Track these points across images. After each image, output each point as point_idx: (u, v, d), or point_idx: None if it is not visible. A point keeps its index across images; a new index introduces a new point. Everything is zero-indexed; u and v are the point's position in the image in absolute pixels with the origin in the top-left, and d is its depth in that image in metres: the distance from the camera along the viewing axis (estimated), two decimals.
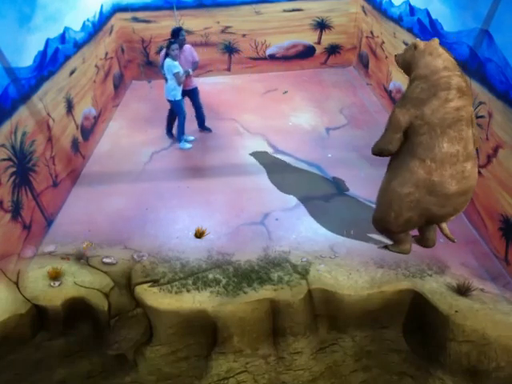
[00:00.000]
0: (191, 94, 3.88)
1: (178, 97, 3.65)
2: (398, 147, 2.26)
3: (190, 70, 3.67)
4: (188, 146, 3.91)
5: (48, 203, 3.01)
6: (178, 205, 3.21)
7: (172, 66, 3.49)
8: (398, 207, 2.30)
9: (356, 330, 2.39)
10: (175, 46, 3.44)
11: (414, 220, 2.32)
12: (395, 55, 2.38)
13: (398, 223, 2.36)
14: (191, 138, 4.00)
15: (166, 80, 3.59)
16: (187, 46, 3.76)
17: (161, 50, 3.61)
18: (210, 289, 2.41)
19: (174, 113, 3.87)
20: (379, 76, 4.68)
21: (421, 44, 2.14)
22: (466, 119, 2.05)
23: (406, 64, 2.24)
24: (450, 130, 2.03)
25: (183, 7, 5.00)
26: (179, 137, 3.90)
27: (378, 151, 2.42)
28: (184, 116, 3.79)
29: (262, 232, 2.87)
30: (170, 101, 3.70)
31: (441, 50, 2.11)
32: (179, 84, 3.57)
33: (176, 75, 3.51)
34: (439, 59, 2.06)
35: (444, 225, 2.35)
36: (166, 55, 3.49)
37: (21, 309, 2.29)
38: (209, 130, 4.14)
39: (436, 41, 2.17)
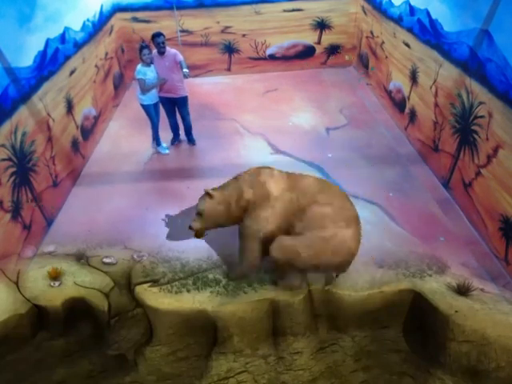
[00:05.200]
0: (177, 103, 3.68)
1: (145, 102, 3.54)
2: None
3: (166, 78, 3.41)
4: (166, 151, 3.86)
5: (48, 203, 3.01)
6: (178, 205, 3.21)
7: (136, 71, 3.43)
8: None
9: (356, 330, 2.38)
10: (146, 50, 3.35)
11: None
12: (193, 228, 2.40)
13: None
14: (166, 150, 3.87)
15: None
16: (172, 52, 3.50)
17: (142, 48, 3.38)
18: (210, 289, 2.41)
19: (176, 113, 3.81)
20: (379, 76, 4.68)
21: (213, 192, 2.36)
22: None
23: (226, 210, 2.33)
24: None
25: (183, 7, 5.00)
26: (156, 142, 3.84)
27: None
28: (153, 123, 3.70)
29: None
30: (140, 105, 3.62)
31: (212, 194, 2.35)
32: (142, 91, 3.46)
33: (138, 81, 3.41)
34: (236, 188, 2.31)
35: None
36: (141, 60, 3.40)
37: (21, 309, 2.29)
38: (193, 142, 3.96)
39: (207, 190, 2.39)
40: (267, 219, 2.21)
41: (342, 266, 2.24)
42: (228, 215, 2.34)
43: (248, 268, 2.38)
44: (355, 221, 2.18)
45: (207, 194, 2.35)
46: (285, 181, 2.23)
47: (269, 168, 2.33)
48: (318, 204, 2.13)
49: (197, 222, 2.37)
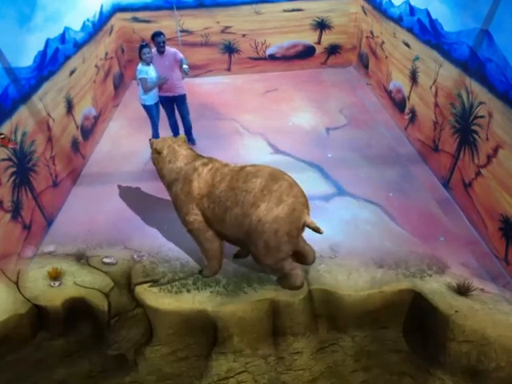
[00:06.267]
0: (176, 101, 3.68)
1: (147, 102, 3.53)
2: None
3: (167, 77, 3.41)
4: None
5: (48, 203, 3.01)
6: None
7: (138, 70, 3.42)
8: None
9: (356, 330, 2.38)
10: (146, 50, 3.34)
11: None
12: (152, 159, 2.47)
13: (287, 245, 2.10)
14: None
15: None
16: (171, 51, 3.50)
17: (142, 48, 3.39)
18: (210, 289, 2.41)
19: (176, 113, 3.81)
20: (379, 76, 4.68)
21: (163, 150, 2.33)
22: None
23: (157, 166, 2.42)
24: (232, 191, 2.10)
25: (183, 7, 5.00)
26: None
27: (215, 266, 2.41)
28: (154, 123, 3.69)
29: None
30: (142, 105, 3.62)
31: (179, 149, 2.34)
32: (144, 90, 3.45)
33: (140, 81, 3.40)
34: (178, 162, 2.30)
35: (309, 220, 2.09)
36: (141, 59, 3.40)
37: (21, 309, 2.29)
38: (193, 141, 3.96)
39: (181, 139, 2.42)
40: (195, 214, 2.21)
41: (296, 232, 2.11)
42: (161, 177, 2.43)
43: (209, 256, 2.37)
44: (287, 190, 2.02)
45: (157, 151, 2.37)
46: (207, 187, 2.17)
47: (205, 165, 2.23)
48: (231, 209, 2.07)
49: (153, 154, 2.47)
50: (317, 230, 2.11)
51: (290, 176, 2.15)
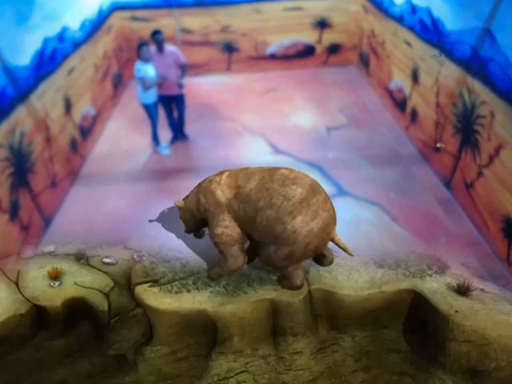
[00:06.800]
0: (175, 101, 3.72)
1: (147, 101, 3.52)
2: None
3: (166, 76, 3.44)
4: (166, 151, 3.85)
5: (46, 203, 3.01)
6: None
7: (136, 69, 3.40)
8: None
9: (356, 330, 2.38)
10: (144, 48, 3.34)
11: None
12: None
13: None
14: (166, 150, 3.87)
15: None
16: (170, 49, 3.53)
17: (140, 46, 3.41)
18: (210, 289, 2.40)
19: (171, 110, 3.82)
20: (380, 75, 4.66)
21: (180, 203, 2.50)
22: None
23: (188, 218, 2.48)
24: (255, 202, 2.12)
25: (182, 6, 4.97)
26: (155, 142, 3.84)
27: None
28: (154, 122, 3.70)
29: None
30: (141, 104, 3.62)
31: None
32: (144, 89, 3.44)
33: (140, 80, 3.40)
34: (192, 193, 2.44)
35: (337, 238, 2.14)
36: (139, 57, 3.39)
37: (21, 309, 2.29)
38: (185, 137, 4.01)
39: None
40: (225, 226, 2.22)
41: (323, 247, 2.17)
42: (198, 220, 2.45)
43: (228, 272, 2.38)
44: (323, 204, 2.04)
45: (177, 206, 2.51)
46: (231, 190, 2.18)
47: (220, 174, 2.28)
48: (263, 210, 2.05)
49: (185, 227, 2.61)
50: (346, 251, 2.15)
51: (324, 189, 2.17)
